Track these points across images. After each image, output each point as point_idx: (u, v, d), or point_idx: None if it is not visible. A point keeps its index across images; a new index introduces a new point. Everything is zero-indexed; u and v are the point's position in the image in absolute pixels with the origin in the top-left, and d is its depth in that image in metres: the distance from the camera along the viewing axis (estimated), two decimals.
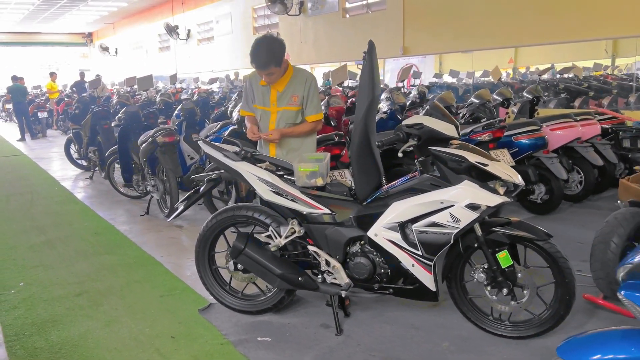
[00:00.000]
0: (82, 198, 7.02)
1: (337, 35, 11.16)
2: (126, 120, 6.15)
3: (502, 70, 12.81)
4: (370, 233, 2.86)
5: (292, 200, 2.94)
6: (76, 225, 5.67)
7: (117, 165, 6.75)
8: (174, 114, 6.85)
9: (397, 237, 2.81)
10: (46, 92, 17.49)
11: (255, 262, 3.02)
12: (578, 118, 5.63)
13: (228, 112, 6.94)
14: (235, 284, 3.40)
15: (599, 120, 5.79)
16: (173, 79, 10.91)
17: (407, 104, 8.37)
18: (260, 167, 3.05)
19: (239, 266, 3.17)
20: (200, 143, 3.25)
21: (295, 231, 3.01)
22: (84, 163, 8.87)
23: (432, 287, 2.84)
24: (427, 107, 2.86)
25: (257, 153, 3.22)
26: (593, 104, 7.80)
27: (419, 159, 2.86)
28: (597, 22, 7.20)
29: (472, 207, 2.63)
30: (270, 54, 3.11)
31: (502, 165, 2.71)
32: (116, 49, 24.32)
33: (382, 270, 2.91)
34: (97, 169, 8.28)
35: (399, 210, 2.79)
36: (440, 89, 10.63)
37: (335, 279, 2.98)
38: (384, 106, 6.02)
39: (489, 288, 2.87)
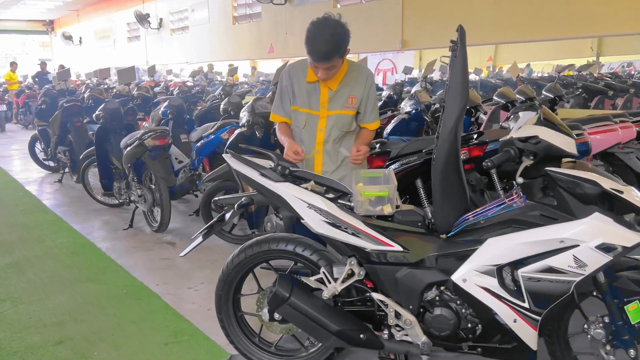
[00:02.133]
0: (52, 206, 6.14)
1: None
2: (106, 119, 5.31)
3: (481, 68, 12.32)
4: (457, 277, 2.19)
5: (352, 234, 2.25)
6: (48, 242, 4.83)
7: (93, 170, 5.91)
8: (160, 112, 6.04)
9: (493, 283, 2.15)
10: (4, 83, 16.19)
11: (302, 315, 2.32)
12: (617, 120, 5.09)
13: (221, 109, 6.16)
14: (265, 332, 2.70)
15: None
16: (151, 71, 9.99)
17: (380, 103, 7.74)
18: (306, 189, 2.34)
19: (277, 315, 2.47)
20: (226, 157, 2.51)
21: (354, 273, 2.32)
22: (52, 164, 7.94)
23: (534, 346, 2.20)
24: (538, 113, 2.21)
25: (297, 169, 2.51)
26: (609, 105, 7.33)
27: (519, 181, 2.20)
28: (584, 19, 6.79)
29: (605, 248, 1.99)
30: (336, 42, 2.41)
31: (636, 192, 2.08)
32: (80, 38, 22.92)
33: (470, 325, 2.24)
34: (67, 170, 7.38)
35: (498, 249, 2.13)
36: (440, 87, 10.03)
37: (406, 335, 2.30)
38: (406, 106, 5.37)
39: (607, 347, 2.24)
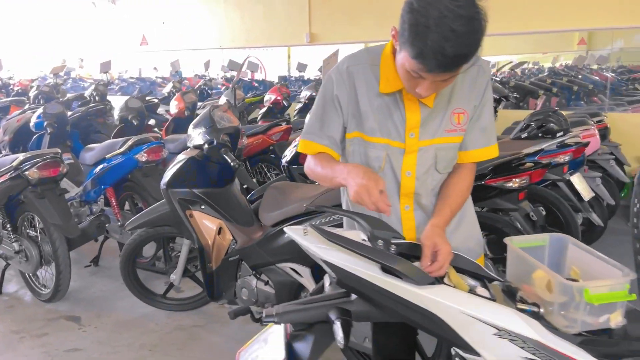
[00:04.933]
0: None
1: (216, 17, 9.07)
2: None
3: None
4: None
5: None
6: None
7: None
8: (32, 122, 4.35)
9: None
10: None
11: None
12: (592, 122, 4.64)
13: (116, 116, 4.67)
14: None
15: None
16: None
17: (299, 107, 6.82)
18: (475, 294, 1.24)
19: None
20: (290, 231, 1.30)
21: None
22: None
23: None
24: None
25: (400, 241, 1.38)
26: (533, 104, 7.09)
27: None
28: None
29: None
30: (477, 34, 1.24)
31: None
32: None
33: None
34: None
35: None
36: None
37: None
38: None
39: None
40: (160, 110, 7.29)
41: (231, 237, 2.81)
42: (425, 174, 1.56)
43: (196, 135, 2.76)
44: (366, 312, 1.33)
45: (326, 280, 1.56)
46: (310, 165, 1.57)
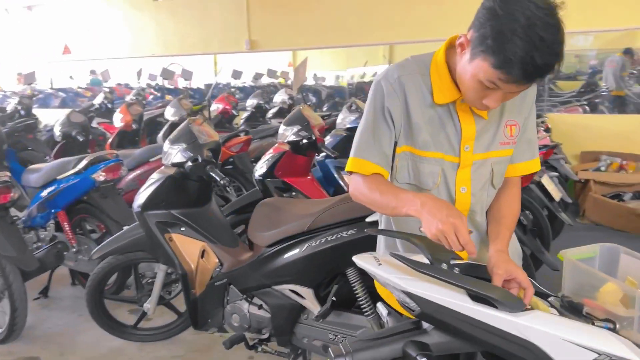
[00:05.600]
0: None
1: (147, 23, 8.67)
2: None
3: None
4: None
5: None
6: None
7: None
8: None
9: None
10: None
11: None
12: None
13: (57, 132, 4.28)
14: None
15: None
16: None
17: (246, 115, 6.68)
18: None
19: None
20: (360, 261, 1.17)
21: None
22: None
23: None
24: None
25: (459, 261, 1.31)
26: None
27: None
28: (376, 27, 7.05)
29: None
30: (561, 49, 1.19)
31: None
32: None
33: None
34: None
35: None
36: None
37: None
38: (346, 119, 4.25)
39: None
40: (94, 123, 6.85)
41: (216, 260, 2.62)
42: (481, 189, 1.48)
43: (175, 152, 2.55)
44: (445, 344, 1.23)
45: (382, 310, 1.45)
46: (361, 189, 1.43)
